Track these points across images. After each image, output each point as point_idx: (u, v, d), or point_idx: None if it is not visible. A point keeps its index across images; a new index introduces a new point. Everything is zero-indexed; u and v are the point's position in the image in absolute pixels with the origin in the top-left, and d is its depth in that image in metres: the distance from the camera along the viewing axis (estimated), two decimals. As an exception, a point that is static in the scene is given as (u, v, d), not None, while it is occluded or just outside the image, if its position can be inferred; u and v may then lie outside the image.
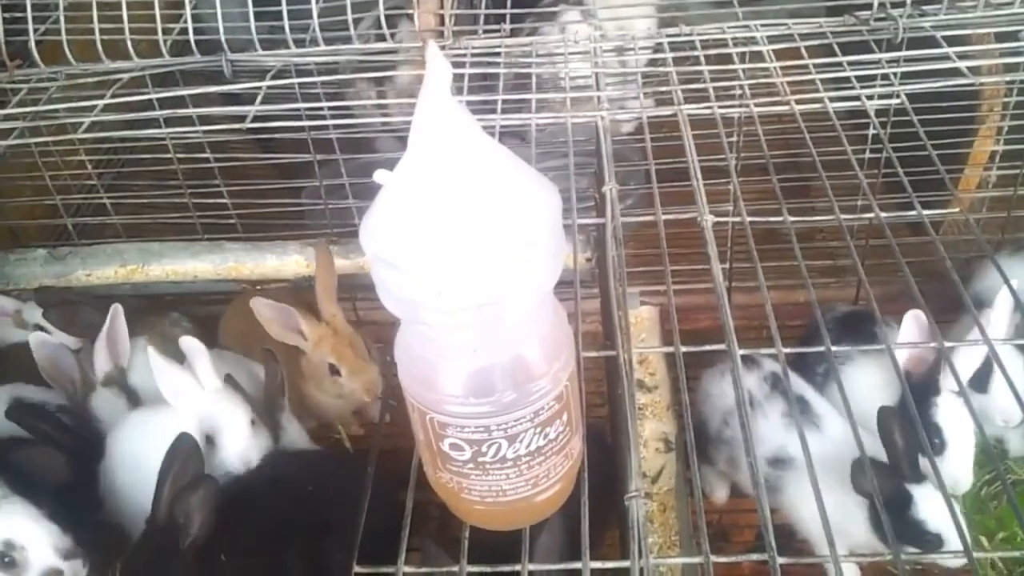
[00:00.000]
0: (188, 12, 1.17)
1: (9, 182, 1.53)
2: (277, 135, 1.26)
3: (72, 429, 1.05)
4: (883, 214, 0.88)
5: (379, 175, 0.46)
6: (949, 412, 1.01)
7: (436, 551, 0.79)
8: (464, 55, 1.15)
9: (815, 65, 1.06)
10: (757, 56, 1.10)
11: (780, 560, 0.57)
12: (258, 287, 1.26)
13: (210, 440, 0.99)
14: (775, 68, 1.06)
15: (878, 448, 0.92)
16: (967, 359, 1.02)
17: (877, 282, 1.35)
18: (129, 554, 0.86)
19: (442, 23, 1.19)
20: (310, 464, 1.09)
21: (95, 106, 1.09)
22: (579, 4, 1.48)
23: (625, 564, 0.58)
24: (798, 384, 1.10)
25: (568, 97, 1.04)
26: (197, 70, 1.22)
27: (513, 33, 1.23)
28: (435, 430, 0.52)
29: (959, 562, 0.88)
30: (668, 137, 1.05)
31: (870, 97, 1.06)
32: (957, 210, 0.90)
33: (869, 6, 1.14)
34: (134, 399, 1.11)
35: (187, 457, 0.85)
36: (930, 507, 0.89)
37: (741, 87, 1.05)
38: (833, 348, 0.76)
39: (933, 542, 0.89)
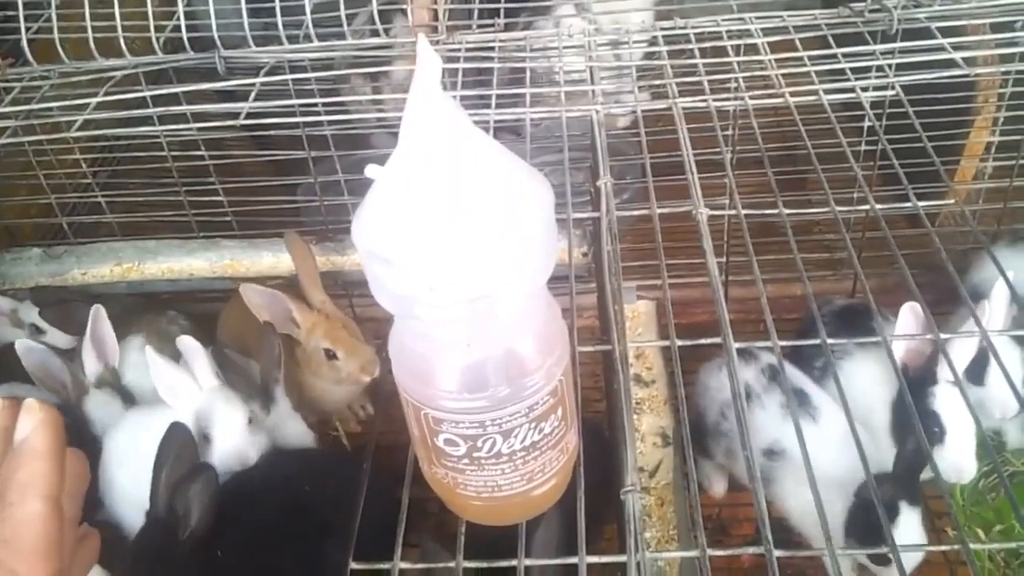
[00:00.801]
0: (181, 9, 1.17)
1: (3, 181, 1.53)
2: (272, 132, 1.25)
3: (69, 429, 1.05)
4: (879, 206, 0.88)
5: (370, 170, 0.46)
6: (947, 401, 1.01)
7: (434, 547, 0.79)
8: (458, 50, 1.15)
9: (810, 57, 1.06)
10: (752, 48, 1.10)
11: (777, 553, 0.57)
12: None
13: (207, 438, 0.99)
14: (770, 61, 1.05)
15: (874, 445, 0.93)
16: (963, 350, 1.02)
17: (874, 274, 1.36)
18: (131, 547, 0.86)
19: (436, 18, 1.19)
20: (308, 461, 1.09)
21: (89, 104, 1.09)
22: (573, -2, 1.47)
23: (622, 558, 0.58)
24: (796, 377, 1.10)
25: (562, 91, 1.04)
26: (191, 67, 1.21)
27: (507, 28, 1.23)
28: (430, 426, 0.52)
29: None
30: (664, 131, 1.05)
31: (865, 89, 1.05)
32: (953, 201, 0.90)
33: (863, -2, 1.14)
34: (129, 399, 1.11)
35: (181, 448, 0.85)
36: (911, 534, 0.90)
37: (736, 80, 1.05)
38: (829, 341, 0.76)
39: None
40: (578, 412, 0.60)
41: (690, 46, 1.09)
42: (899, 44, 1.09)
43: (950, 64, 1.03)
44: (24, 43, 1.17)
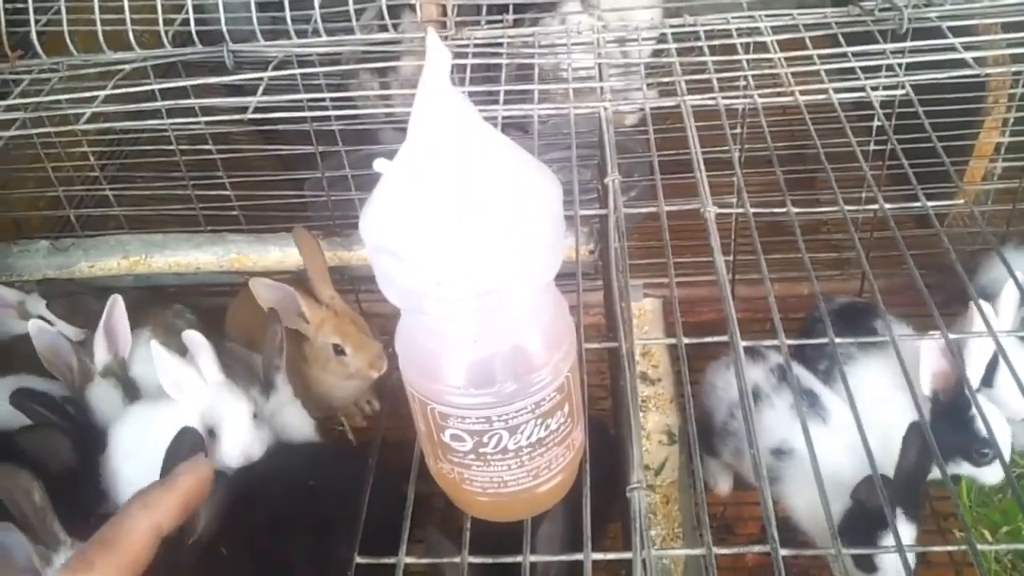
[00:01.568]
0: (190, 3, 1.16)
1: (12, 173, 1.53)
2: (279, 126, 1.25)
3: (75, 419, 1.06)
4: (888, 206, 0.87)
5: (379, 164, 0.46)
6: (992, 419, 1.00)
7: (439, 542, 0.79)
8: (467, 46, 1.14)
9: (820, 56, 1.05)
10: (762, 47, 1.10)
11: (783, 552, 0.56)
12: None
13: (212, 433, 0.99)
14: (779, 59, 1.05)
15: (886, 455, 0.91)
16: (978, 356, 1.01)
17: (882, 274, 1.35)
18: None
19: (444, 14, 1.19)
20: (313, 456, 1.09)
21: (97, 97, 1.09)
22: (582, -6, 1.47)
23: (627, 556, 0.58)
24: (806, 378, 1.09)
25: (571, 88, 1.04)
26: (199, 61, 1.21)
27: (516, 24, 1.23)
28: (436, 421, 0.52)
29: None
30: (672, 128, 1.05)
31: (875, 88, 1.05)
32: (962, 202, 0.89)
33: (874, -4, 1.13)
34: (132, 391, 1.11)
35: (191, 452, 0.85)
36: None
37: (745, 78, 1.05)
38: (837, 340, 0.75)
39: None
40: (584, 409, 0.60)
41: (699, 43, 1.09)
42: (909, 43, 1.09)
43: (961, 64, 1.03)
44: (33, 35, 1.17)
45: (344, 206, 1.39)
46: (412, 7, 1.24)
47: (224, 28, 1.16)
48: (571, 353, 0.52)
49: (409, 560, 0.63)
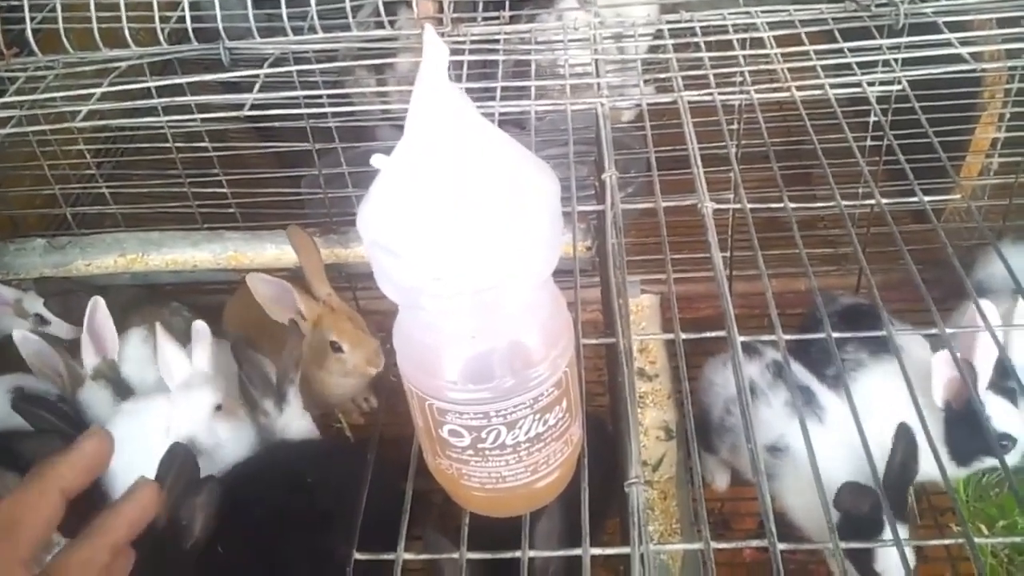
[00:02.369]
0: (186, 0, 1.16)
1: (8, 171, 1.53)
2: (276, 124, 1.25)
3: (73, 420, 1.06)
4: (884, 200, 0.87)
5: (376, 160, 0.46)
6: (1002, 411, 1.00)
7: (437, 538, 0.79)
8: (463, 42, 1.14)
9: (816, 52, 1.05)
10: (758, 42, 1.10)
11: (780, 547, 0.57)
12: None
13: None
14: (776, 55, 1.05)
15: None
16: (987, 355, 1.00)
17: (879, 270, 1.35)
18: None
19: (441, 10, 1.19)
20: (312, 453, 1.09)
21: (93, 94, 1.09)
22: (577, -9, 1.47)
23: (625, 551, 0.58)
24: (803, 375, 1.09)
25: (567, 84, 1.04)
26: (195, 58, 1.21)
27: (512, 20, 1.22)
28: (434, 416, 0.52)
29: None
30: (669, 124, 1.05)
31: (871, 83, 1.05)
32: (959, 197, 0.89)
33: (871, -8, 1.13)
34: (126, 392, 1.10)
35: (181, 466, 0.85)
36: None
37: (742, 74, 1.05)
38: (834, 335, 0.75)
39: None
40: (582, 405, 0.60)
41: (696, 39, 1.09)
42: (906, 39, 1.09)
43: (957, 59, 1.03)
44: (29, 33, 1.17)
45: (341, 203, 1.39)
46: (408, 4, 1.23)
47: (220, 25, 1.15)
48: (569, 349, 0.52)
49: (408, 556, 0.63)
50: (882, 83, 1.11)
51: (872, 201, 0.88)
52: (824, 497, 0.60)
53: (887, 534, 0.87)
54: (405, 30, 1.20)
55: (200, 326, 1.03)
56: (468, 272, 0.44)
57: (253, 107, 1.07)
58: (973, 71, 1.04)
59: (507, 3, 1.24)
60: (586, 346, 0.76)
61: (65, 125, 1.12)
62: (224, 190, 1.44)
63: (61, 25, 1.17)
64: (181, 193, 1.44)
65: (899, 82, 1.06)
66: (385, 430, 0.80)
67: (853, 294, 1.38)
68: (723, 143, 0.99)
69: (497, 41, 1.14)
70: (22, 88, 1.14)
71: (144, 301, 1.29)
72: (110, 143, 1.67)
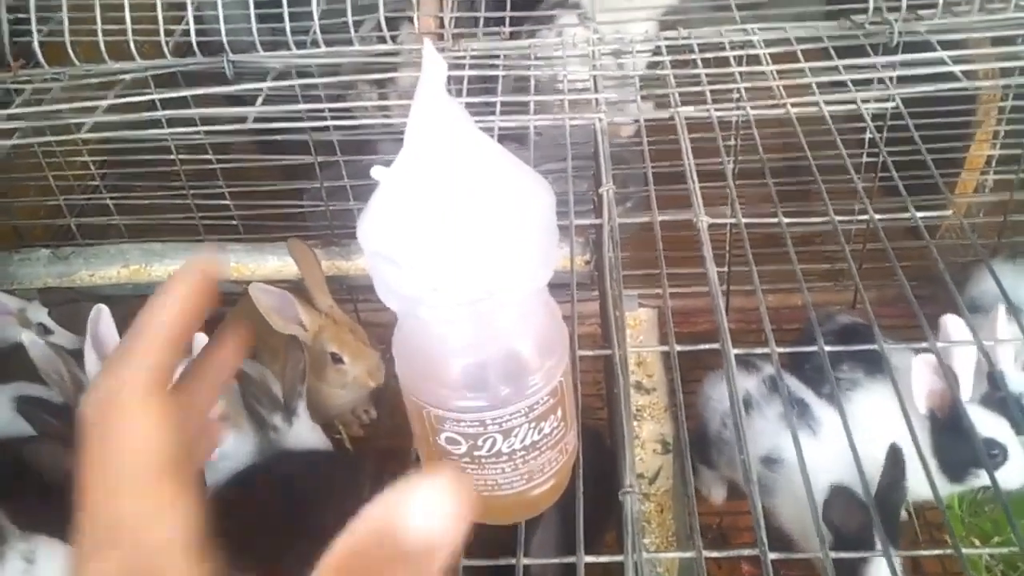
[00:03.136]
0: (190, 14, 1.18)
1: (13, 182, 1.54)
2: (278, 137, 1.27)
3: (76, 426, 1.06)
4: (878, 216, 0.88)
5: (376, 171, 0.47)
6: (984, 420, 1.00)
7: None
8: (463, 58, 1.16)
9: (811, 68, 1.07)
10: (754, 59, 1.11)
11: (772, 556, 0.57)
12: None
13: None
14: (771, 71, 1.06)
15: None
16: (965, 365, 1.01)
17: (874, 285, 1.37)
18: None
19: (442, 26, 1.20)
20: (310, 462, 1.10)
21: (98, 106, 1.10)
22: (576, 7, 1.48)
23: (619, 558, 0.59)
24: (798, 388, 1.10)
25: (566, 100, 1.05)
26: (200, 71, 1.23)
27: (512, 36, 1.24)
28: (432, 424, 0.53)
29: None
30: (667, 140, 1.06)
31: (866, 101, 1.06)
32: (951, 213, 0.91)
33: (866, 10, 1.15)
34: None
35: None
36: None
37: (738, 90, 1.06)
38: (828, 348, 0.76)
39: None
40: (578, 414, 0.61)
41: (693, 56, 1.10)
42: (900, 57, 1.10)
43: (950, 77, 1.04)
44: (36, 45, 1.19)
45: (342, 216, 1.40)
46: (410, 19, 1.25)
47: (224, 39, 1.17)
48: (564, 358, 0.53)
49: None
50: (877, 100, 1.12)
51: (866, 217, 0.89)
52: (814, 505, 0.61)
53: (871, 565, 0.88)
54: (407, 45, 1.22)
55: (200, 338, 1.03)
56: (465, 283, 0.45)
57: (256, 120, 1.08)
58: (966, 89, 1.05)
59: (507, 19, 1.25)
60: (585, 359, 0.77)
61: (70, 137, 1.13)
62: (227, 202, 1.46)
63: (67, 37, 1.19)
64: (184, 205, 1.45)
65: (893, 99, 1.07)
66: (384, 442, 0.81)
67: (850, 310, 1.39)
68: (720, 159, 1.00)
69: (497, 57, 1.16)
70: (28, 99, 1.15)
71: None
72: (115, 154, 1.68)
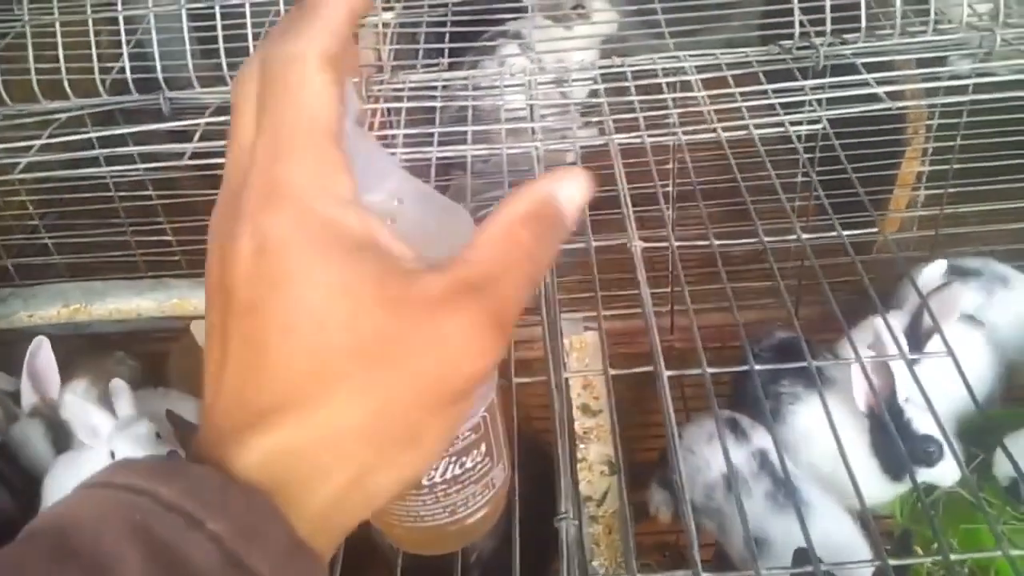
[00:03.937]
0: (126, 51, 1.18)
1: (-51, 224, 1.51)
2: (221, 171, 1.26)
3: (13, 464, 1.05)
4: (805, 236, 0.91)
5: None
6: (921, 417, 1.00)
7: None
8: (402, 89, 1.17)
9: (742, 94, 1.10)
10: (686, 85, 1.14)
11: (703, 576, 0.58)
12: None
13: (112, 455, 0.98)
14: (703, 97, 1.09)
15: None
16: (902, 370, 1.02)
17: (816, 301, 1.39)
18: None
19: (380, 58, 1.21)
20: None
21: (32, 146, 1.09)
22: (517, 37, 1.51)
23: (553, 586, 0.59)
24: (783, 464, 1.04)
25: (503, 129, 1.07)
26: (137, 108, 1.22)
27: (452, 67, 1.26)
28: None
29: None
30: (607, 165, 1.08)
31: (796, 123, 1.09)
32: (876, 231, 0.93)
33: (792, 35, 1.18)
34: (61, 432, 1.09)
35: None
36: None
37: (672, 116, 1.09)
38: (758, 367, 0.78)
39: None
40: (509, 447, 0.61)
41: (627, 84, 1.13)
42: (828, 80, 1.13)
43: (875, 98, 1.08)
44: (-33, 87, 1.17)
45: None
46: (350, 52, 1.26)
47: (160, 76, 1.17)
48: (489, 394, 0.53)
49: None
50: (809, 122, 1.15)
51: (793, 236, 0.91)
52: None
53: None
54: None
55: (117, 383, 1.03)
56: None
57: (195, 156, 1.08)
58: (890, 109, 1.09)
59: (446, 50, 1.27)
60: (538, 383, 0.78)
61: (5, 177, 1.12)
62: (168, 238, 1.44)
63: (0, 77, 1.18)
64: (125, 242, 1.44)
65: (822, 121, 1.11)
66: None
67: (790, 325, 1.41)
68: (656, 183, 1.02)
69: (435, 88, 1.17)
70: (-40, 142, 1.14)
71: (87, 352, 1.28)
72: (53, 194, 1.66)
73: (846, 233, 0.89)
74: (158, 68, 1.17)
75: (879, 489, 1.06)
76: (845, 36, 1.19)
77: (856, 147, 1.12)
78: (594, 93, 1.22)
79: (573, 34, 1.45)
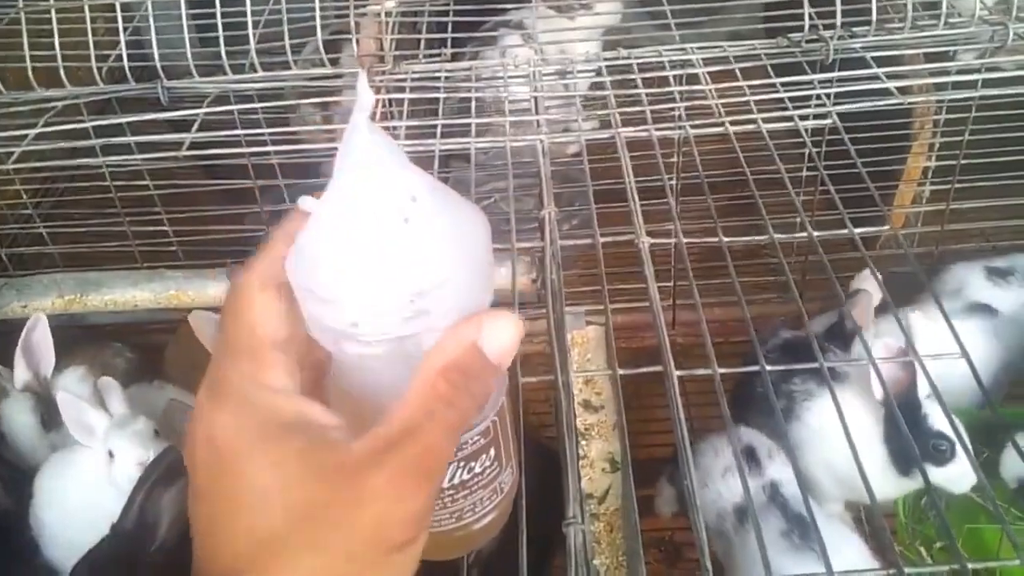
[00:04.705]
0: (123, 39, 1.15)
1: (-58, 214, 1.49)
2: (220, 161, 1.24)
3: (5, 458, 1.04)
4: (815, 232, 0.89)
5: (303, 202, 0.46)
6: (939, 414, 0.98)
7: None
8: (404, 80, 1.15)
9: (750, 87, 1.08)
10: (694, 78, 1.12)
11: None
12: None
13: (111, 454, 0.97)
14: (710, 90, 1.07)
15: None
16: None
17: (820, 296, 1.38)
18: (83, 560, 0.82)
19: (382, 48, 1.19)
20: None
21: (27, 135, 1.07)
22: (519, 27, 1.49)
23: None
24: (797, 502, 1.00)
25: (507, 121, 1.05)
26: (135, 97, 1.20)
27: (454, 58, 1.24)
28: (362, 463, 0.51)
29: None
30: (611, 157, 1.06)
31: (804, 118, 1.07)
32: (887, 227, 0.92)
33: (802, 28, 1.17)
34: (50, 409, 1.07)
35: (169, 466, 0.83)
36: None
37: (678, 109, 1.07)
38: (768, 368, 0.77)
39: None
40: (518, 450, 0.59)
41: (633, 76, 1.11)
42: (837, 73, 1.12)
43: (884, 93, 1.06)
44: (-37, 74, 1.15)
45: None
46: (351, 41, 1.24)
47: (158, 64, 1.15)
48: (499, 397, 0.52)
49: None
50: (816, 116, 1.14)
51: (804, 233, 0.90)
52: None
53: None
54: (349, 67, 1.21)
55: (107, 382, 1.02)
56: (385, 319, 0.44)
57: (194, 145, 1.06)
58: (900, 103, 1.07)
59: (449, 41, 1.25)
60: (539, 373, 0.77)
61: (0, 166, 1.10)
62: (165, 228, 1.43)
63: (-6, 65, 1.16)
64: (121, 232, 1.42)
65: (830, 115, 1.09)
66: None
67: (796, 321, 1.40)
68: (660, 177, 1.01)
69: (438, 79, 1.15)
70: (-45, 130, 1.12)
71: (83, 342, 1.26)
72: (49, 183, 1.64)
73: (857, 231, 0.88)
74: (156, 56, 1.14)
75: (893, 484, 1.04)
76: (854, 29, 1.17)
77: (862, 141, 1.10)
78: (597, 85, 1.20)
79: (576, 24, 1.43)
